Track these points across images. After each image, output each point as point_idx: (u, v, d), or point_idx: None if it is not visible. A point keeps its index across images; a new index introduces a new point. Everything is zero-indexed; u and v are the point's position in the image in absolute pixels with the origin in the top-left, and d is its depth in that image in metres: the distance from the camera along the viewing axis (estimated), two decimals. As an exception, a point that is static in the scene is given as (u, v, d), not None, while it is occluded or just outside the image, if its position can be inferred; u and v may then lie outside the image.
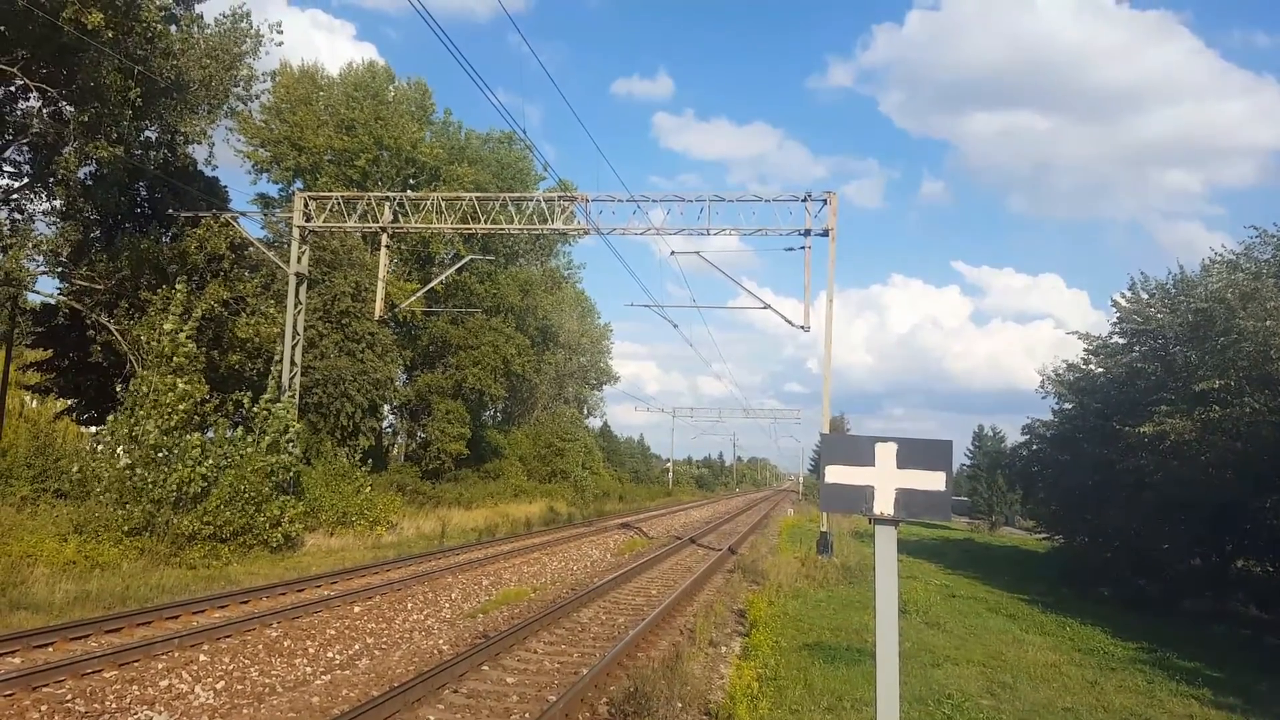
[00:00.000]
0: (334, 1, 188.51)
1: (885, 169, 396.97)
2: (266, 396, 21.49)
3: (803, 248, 24.20)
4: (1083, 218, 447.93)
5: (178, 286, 21.24)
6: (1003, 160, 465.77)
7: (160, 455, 18.30)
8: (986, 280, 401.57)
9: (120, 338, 23.50)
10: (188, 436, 18.92)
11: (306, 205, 25.47)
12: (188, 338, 20.15)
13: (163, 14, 21.97)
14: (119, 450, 18.53)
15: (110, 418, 19.60)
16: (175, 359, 19.57)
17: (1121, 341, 24.28)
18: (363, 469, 26.77)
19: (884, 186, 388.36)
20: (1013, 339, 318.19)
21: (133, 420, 18.73)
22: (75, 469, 18.91)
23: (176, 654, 10.51)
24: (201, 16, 24.82)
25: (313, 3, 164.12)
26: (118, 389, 19.21)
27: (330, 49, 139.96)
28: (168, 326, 19.85)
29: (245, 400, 21.57)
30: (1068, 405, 27.38)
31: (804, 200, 23.79)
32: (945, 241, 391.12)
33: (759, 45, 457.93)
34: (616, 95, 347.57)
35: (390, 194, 26.36)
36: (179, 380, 19.32)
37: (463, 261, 34.50)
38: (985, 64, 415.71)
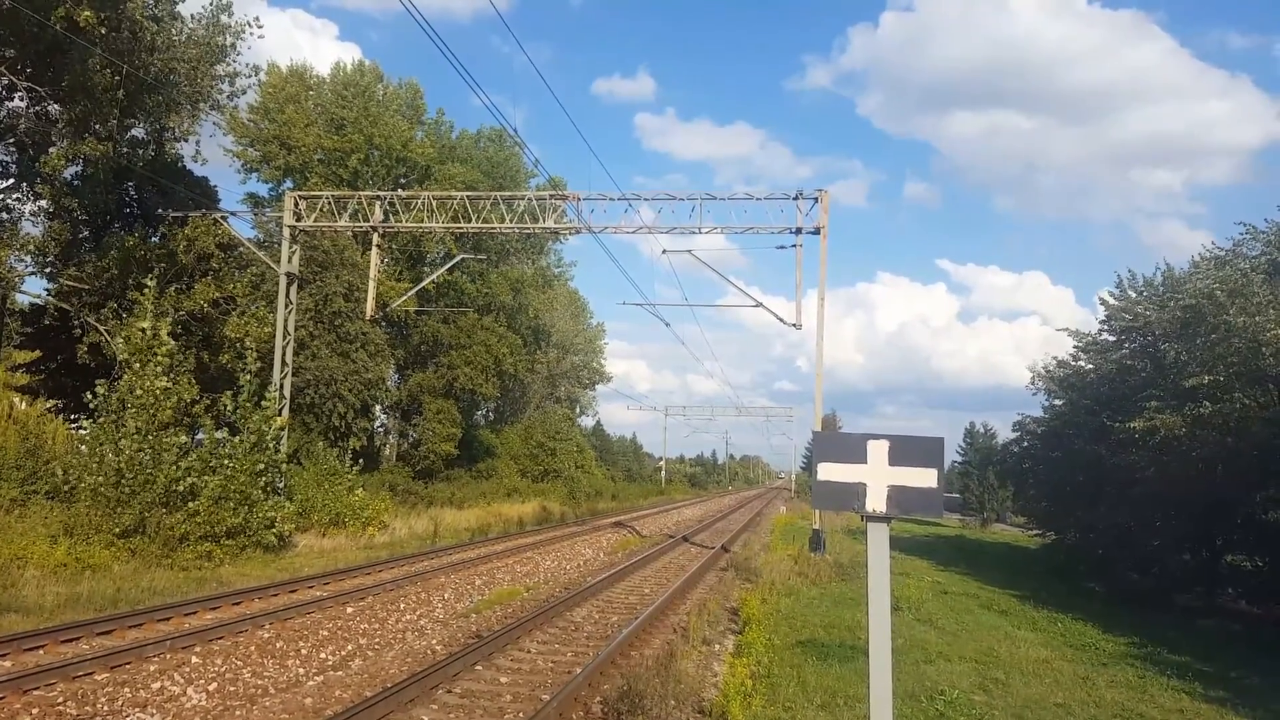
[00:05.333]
0: (314, 3, 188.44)
1: (869, 170, 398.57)
2: (244, 396, 21.15)
3: (794, 246, 24.28)
4: (1067, 216, 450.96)
5: (147, 281, 20.97)
6: (986, 160, 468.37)
7: (145, 456, 18.16)
8: (972, 278, 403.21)
9: (108, 338, 23.38)
10: (172, 437, 18.77)
11: (297, 205, 25.37)
12: (168, 334, 19.92)
13: (149, 11, 21.91)
14: (103, 450, 18.32)
15: (88, 422, 19.36)
16: (159, 357, 19.35)
17: (1111, 338, 24.41)
18: (355, 469, 26.69)
19: (868, 187, 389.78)
20: (1000, 336, 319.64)
21: (117, 421, 18.56)
22: (61, 472, 18.77)
23: (168, 656, 10.47)
24: (180, 15, 24.70)
25: (294, 3, 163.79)
26: (100, 391, 18.93)
27: (313, 49, 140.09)
28: (143, 324, 19.65)
29: (228, 401, 21.29)
30: (1058, 402, 27.52)
31: (795, 199, 23.83)
32: (930, 240, 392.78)
33: (737, 45, 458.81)
34: (598, 95, 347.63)
35: (381, 193, 26.27)
36: (163, 379, 19.08)
37: (454, 260, 34.38)
38: (963, 65, 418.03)
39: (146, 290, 20.65)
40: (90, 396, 18.78)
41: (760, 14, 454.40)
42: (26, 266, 23.66)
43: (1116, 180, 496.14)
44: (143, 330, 19.51)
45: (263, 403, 21.41)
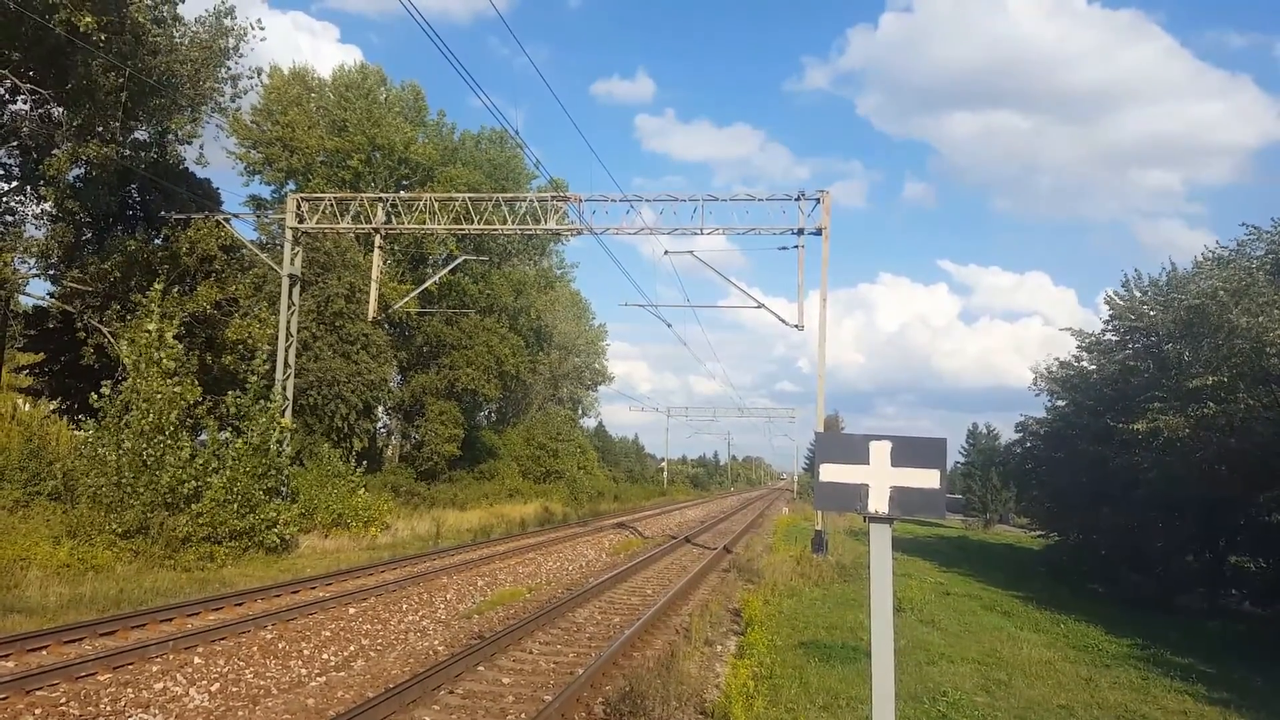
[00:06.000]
0: (314, 6, 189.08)
1: (869, 171, 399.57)
2: (246, 398, 21.08)
3: (795, 247, 24.26)
4: (1067, 216, 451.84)
5: (155, 284, 21.01)
6: (985, 161, 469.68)
7: (150, 459, 18.16)
8: (974, 278, 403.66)
9: (112, 340, 23.41)
10: (181, 440, 18.78)
11: (299, 206, 25.39)
12: (174, 337, 19.92)
13: (152, 14, 21.94)
14: (103, 451, 18.30)
15: (89, 423, 19.32)
16: (164, 361, 19.33)
17: (1114, 339, 24.35)
18: (357, 470, 26.68)
19: (868, 188, 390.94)
20: (1002, 336, 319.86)
21: (122, 423, 18.56)
22: (60, 474, 18.74)
23: (171, 656, 10.47)
24: (182, 17, 24.73)
25: (293, 5, 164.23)
26: (104, 392, 18.91)
27: (314, 51, 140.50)
28: (150, 326, 19.65)
29: (232, 402, 21.27)
30: (1061, 402, 27.48)
31: (796, 199, 23.80)
32: (931, 240, 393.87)
33: (736, 46, 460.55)
34: (597, 96, 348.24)
35: (383, 195, 26.28)
36: (167, 384, 19.06)
37: (456, 261, 34.36)
38: (962, 65, 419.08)
39: (152, 292, 20.68)
40: (95, 398, 18.79)
41: (759, 15, 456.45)
42: (30, 269, 23.70)
43: (1115, 180, 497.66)
44: (148, 332, 19.54)
45: (267, 404, 21.42)
